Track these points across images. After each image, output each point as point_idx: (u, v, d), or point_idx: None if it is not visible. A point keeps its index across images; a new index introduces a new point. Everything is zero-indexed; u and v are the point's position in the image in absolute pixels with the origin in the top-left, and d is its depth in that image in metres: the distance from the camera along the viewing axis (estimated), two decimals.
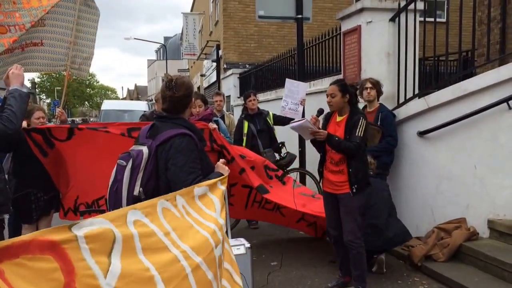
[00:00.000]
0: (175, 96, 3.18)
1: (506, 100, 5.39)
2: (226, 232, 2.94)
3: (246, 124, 7.69)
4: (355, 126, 4.64)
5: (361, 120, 4.66)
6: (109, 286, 1.87)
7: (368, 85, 6.24)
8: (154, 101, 6.52)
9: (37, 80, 63.70)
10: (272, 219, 6.92)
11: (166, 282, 2.09)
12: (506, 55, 7.41)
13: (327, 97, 4.82)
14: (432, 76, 7.65)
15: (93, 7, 6.24)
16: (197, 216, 2.52)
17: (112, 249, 1.94)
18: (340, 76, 7.94)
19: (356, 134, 4.61)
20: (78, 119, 42.86)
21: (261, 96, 11.37)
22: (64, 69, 6.11)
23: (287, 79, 7.79)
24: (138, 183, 3.01)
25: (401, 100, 6.82)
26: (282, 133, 8.14)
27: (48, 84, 69.09)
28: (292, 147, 8.09)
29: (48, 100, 67.96)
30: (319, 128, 4.77)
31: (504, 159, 5.53)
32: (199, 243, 2.37)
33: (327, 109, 5.00)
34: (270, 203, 6.33)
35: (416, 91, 6.75)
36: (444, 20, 7.46)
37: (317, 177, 5.25)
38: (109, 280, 1.87)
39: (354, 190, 4.65)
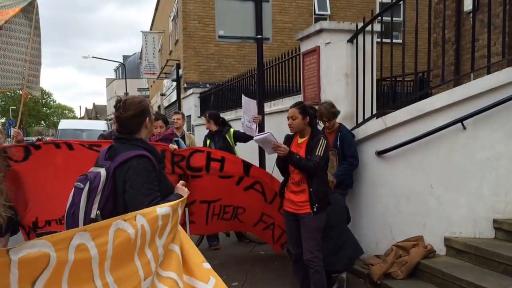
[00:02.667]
0: (122, 117, 3.13)
1: (460, 120, 5.52)
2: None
3: (208, 142, 7.88)
4: (315, 146, 4.75)
5: (321, 140, 4.77)
6: None
7: (324, 119, 6.23)
8: (113, 121, 6.46)
9: None
10: (232, 227, 7.28)
11: None
12: (461, 76, 7.63)
13: (288, 119, 4.91)
14: (389, 96, 7.78)
15: (38, 28, 6.15)
16: (148, 238, 2.44)
17: (39, 276, 1.87)
18: (300, 96, 8.01)
19: (316, 154, 4.70)
20: (33, 139, 41.68)
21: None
22: (20, 87, 5.95)
23: (243, 96, 7.82)
24: (96, 206, 2.94)
25: (360, 120, 6.90)
26: (243, 151, 8.12)
27: (3, 103, 67.46)
28: None
29: (3, 120, 66.22)
30: None
31: (459, 178, 5.65)
32: (126, 275, 2.29)
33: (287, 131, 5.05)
34: (228, 213, 6.49)
35: (374, 111, 6.86)
36: (400, 41, 7.62)
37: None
38: None
39: (315, 209, 4.70)
